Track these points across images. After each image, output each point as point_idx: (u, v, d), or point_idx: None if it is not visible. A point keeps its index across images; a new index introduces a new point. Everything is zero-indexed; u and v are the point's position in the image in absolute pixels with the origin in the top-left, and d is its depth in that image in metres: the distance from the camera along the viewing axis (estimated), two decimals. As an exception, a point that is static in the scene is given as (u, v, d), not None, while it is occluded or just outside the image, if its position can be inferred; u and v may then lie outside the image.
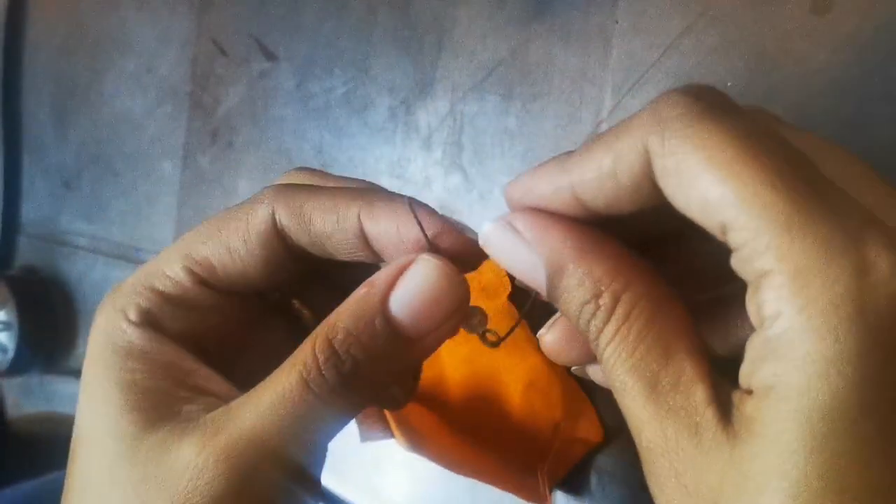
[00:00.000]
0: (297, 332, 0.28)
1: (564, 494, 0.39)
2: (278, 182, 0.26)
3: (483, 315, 0.24)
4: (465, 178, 0.42)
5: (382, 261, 0.25)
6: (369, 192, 0.24)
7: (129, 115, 0.58)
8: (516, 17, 0.40)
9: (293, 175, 0.27)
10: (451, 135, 0.43)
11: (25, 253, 0.64)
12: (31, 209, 0.64)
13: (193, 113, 0.55)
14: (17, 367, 0.60)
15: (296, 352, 0.23)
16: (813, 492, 0.16)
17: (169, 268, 0.25)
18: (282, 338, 0.28)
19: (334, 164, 0.48)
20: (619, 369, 0.19)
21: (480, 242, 0.23)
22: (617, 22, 0.37)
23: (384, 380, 0.24)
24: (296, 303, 0.29)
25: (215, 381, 0.25)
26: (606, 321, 0.20)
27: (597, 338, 0.20)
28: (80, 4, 0.61)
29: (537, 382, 0.38)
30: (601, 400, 0.38)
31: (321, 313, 0.26)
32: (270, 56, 0.51)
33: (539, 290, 0.22)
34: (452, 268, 0.23)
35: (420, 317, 0.22)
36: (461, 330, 0.24)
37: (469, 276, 0.24)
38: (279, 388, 0.22)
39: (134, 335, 0.24)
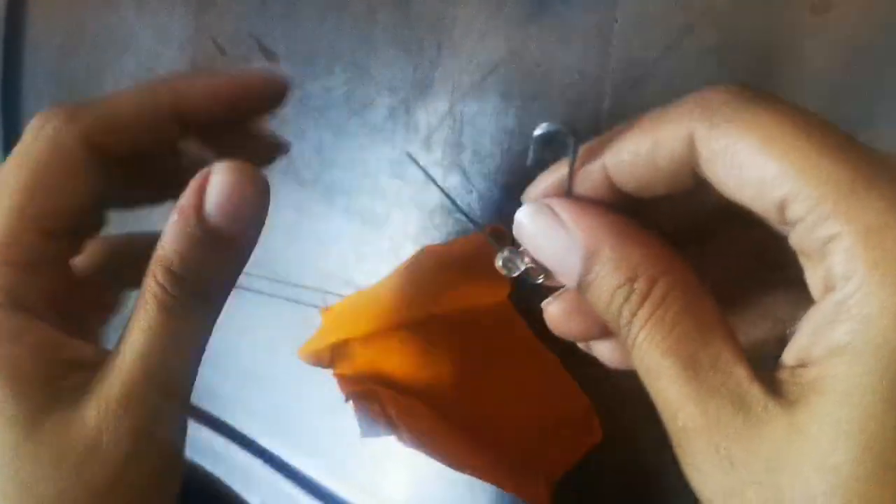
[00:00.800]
0: None
1: (563, 494, 0.39)
2: (56, 108, 0.26)
3: (519, 255, 0.24)
4: (465, 177, 0.42)
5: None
6: (167, 77, 0.26)
7: (129, 115, 0.58)
8: (516, 16, 0.40)
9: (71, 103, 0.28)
10: (450, 134, 0.43)
11: (25, 252, 0.64)
12: None
13: (193, 112, 0.55)
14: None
15: (141, 290, 0.24)
16: (888, 444, 0.16)
17: (10, 234, 0.25)
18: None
19: (334, 163, 0.48)
20: (654, 351, 0.19)
21: (515, 225, 0.23)
22: (616, 21, 0.37)
23: (221, 286, 0.25)
24: None
25: (85, 348, 0.25)
26: (640, 304, 0.20)
27: (630, 321, 0.20)
28: (80, 3, 0.61)
29: (537, 383, 0.38)
30: (599, 400, 0.38)
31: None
32: (270, 55, 0.51)
33: (566, 277, 0.22)
34: (248, 165, 0.24)
35: (233, 215, 0.24)
36: (468, 331, 0.25)
37: (442, 248, 0.25)
38: (143, 325, 0.23)
39: (2, 319, 0.24)
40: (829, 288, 0.17)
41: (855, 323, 0.17)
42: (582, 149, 0.22)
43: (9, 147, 0.64)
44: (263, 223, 0.25)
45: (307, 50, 0.49)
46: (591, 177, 0.22)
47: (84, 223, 0.27)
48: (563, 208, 0.22)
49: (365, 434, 0.40)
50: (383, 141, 0.45)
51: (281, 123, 0.50)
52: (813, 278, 0.18)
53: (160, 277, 0.23)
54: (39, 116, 0.26)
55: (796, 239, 0.18)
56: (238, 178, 0.24)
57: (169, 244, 0.24)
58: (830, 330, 0.17)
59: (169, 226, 0.24)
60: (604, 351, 0.25)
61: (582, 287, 0.21)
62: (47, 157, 0.25)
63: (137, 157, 0.27)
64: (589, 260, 0.21)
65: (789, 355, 0.19)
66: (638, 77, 0.36)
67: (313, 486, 0.49)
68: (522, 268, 0.24)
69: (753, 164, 0.18)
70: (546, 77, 0.39)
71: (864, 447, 0.16)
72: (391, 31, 0.45)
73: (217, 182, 0.24)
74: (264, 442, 0.51)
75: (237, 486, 0.51)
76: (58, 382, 0.24)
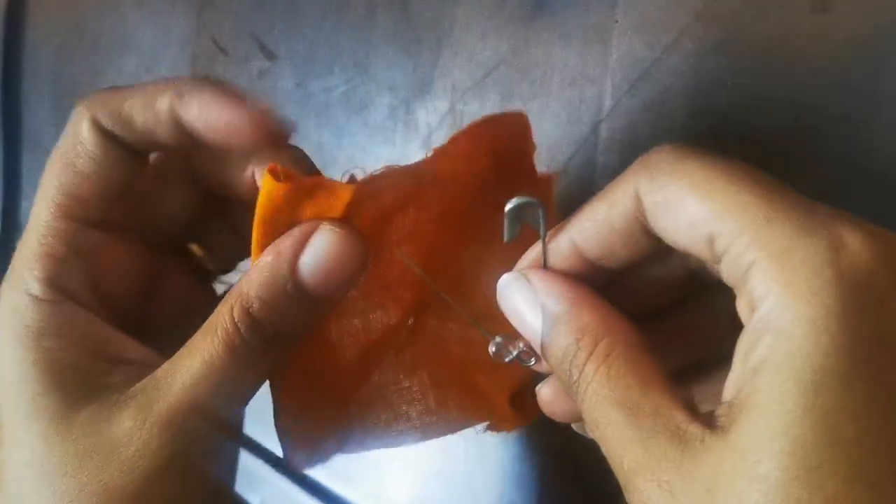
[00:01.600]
0: (199, 276, 0.30)
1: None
2: (84, 97, 0.28)
3: (511, 341, 0.26)
4: (465, 177, 0.42)
5: (202, 145, 0.26)
6: (179, 80, 0.26)
7: (129, 115, 0.58)
8: (516, 16, 0.40)
9: (96, 92, 0.28)
10: (450, 134, 0.43)
11: (25, 252, 0.64)
12: (31, 209, 0.64)
13: (193, 112, 0.55)
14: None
15: (212, 318, 0.24)
16: (808, 447, 0.17)
17: (46, 225, 0.26)
18: (184, 284, 0.30)
19: (334, 163, 0.48)
20: (600, 403, 0.21)
21: (497, 292, 0.25)
22: (616, 21, 0.37)
23: (296, 340, 0.26)
24: (193, 247, 0.31)
25: (132, 348, 0.25)
26: (586, 360, 0.22)
27: (577, 377, 0.22)
28: (80, 3, 0.61)
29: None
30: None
31: (217, 252, 0.29)
32: (270, 55, 0.51)
33: (535, 341, 0.24)
34: (354, 232, 0.25)
35: (328, 280, 0.24)
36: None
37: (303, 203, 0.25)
38: (206, 356, 0.23)
39: (41, 311, 0.24)
40: (752, 310, 0.19)
41: (772, 337, 0.18)
42: (548, 234, 0.25)
43: (9, 146, 0.64)
44: (354, 287, 0.26)
45: (307, 49, 0.49)
46: (560, 249, 0.24)
47: (114, 211, 0.27)
48: (535, 277, 0.24)
49: (299, 466, 0.31)
50: (383, 140, 0.45)
51: (281, 123, 0.50)
52: (741, 304, 0.20)
53: (237, 316, 0.24)
54: (80, 102, 0.27)
55: (725, 272, 0.20)
56: (341, 244, 0.24)
57: (255, 286, 0.24)
58: (753, 350, 0.18)
59: (260, 264, 0.24)
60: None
61: (543, 350, 0.23)
62: (69, 147, 0.26)
63: (151, 149, 0.27)
64: (551, 321, 0.23)
65: (727, 391, 0.20)
66: (638, 77, 0.36)
67: (313, 485, 0.49)
68: (514, 353, 0.26)
69: (684, 207, 0.20)
70: (546, 77, 0.39)
71: (787, 453, 0.17)
72: (391, 31, 0.45)
73: (320, 242, 0.24)
74: (264, 441, 0.51)
75: (237, 485, 0.51)
76: (99, 378, 0.24)
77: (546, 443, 0.40)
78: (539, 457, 0.41)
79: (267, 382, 0.27)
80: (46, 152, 0.61)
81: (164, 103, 0.25)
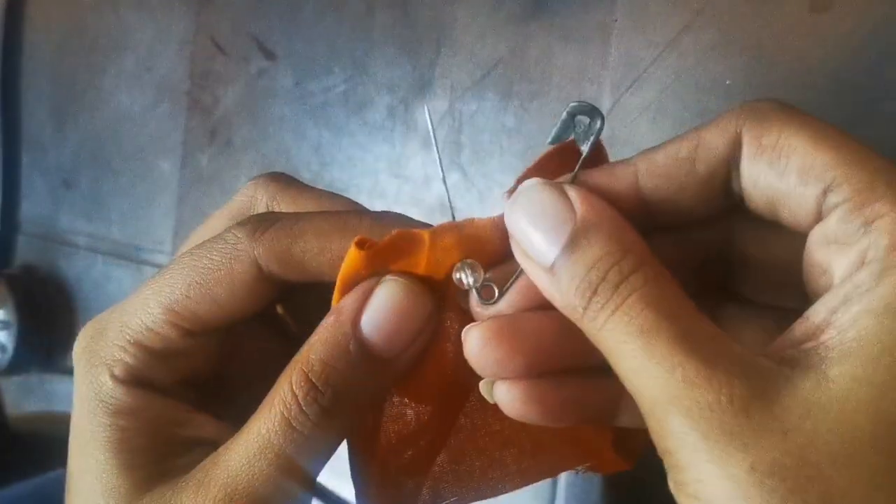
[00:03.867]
0: (284, 340, 0.28)
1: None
2: (245, 193, 0.26)
3: (476, 267, 0.23)
4: (465, 176, 0.42)
5: None
6: (355, 220, 0.24)
7: (128, 114, 0.58)
8: (515, 15, 0.40)
9: (262, 184, 0.27)
10: (450, 133, 0.43)
11: (24, 252, 0.64)
12: (31, 208, 0.64)
13: (192, 112, 0.54)
14: (17, 366, 0.60)
15: (273, 389, 0.23)
16: None
17: (152, 321, 0.24)
18: (270, 348, 0.28)
19: (333, 162, 0.48)
20: (648, 313, 0.19)
21: (515, 194, 0.22)
22: (616, 20, 0.37)
23: (365, 403, 0.24)
24: (279, 311, 0.29)
25: (208, 426, 0.24)
26: (635, 269, 0.19)
27: (617, 286, 0.19)
28: (79, 3, 0.61)
29: None
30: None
31: (301, 315, 0.27)
32: (269, 55, 0.51)
33: (546, 251, 0.21)
34: (418, 284, 0.23)
35: (392, 336, 0.22)
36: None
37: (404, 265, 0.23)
38: (263, 431, 0.22)
39: (121, 393, 0.24)
40: (867, 262, 0.19)
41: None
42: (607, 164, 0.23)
43: (8, 146, 0.64)
44: (422, 349, 0.23)
45: (306, 49, 0.49)
46: (617, 180, 0.22)
47: (231, 328, 0.26)
48: (572, 188, 0.22)
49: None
50: (382, 140, 0.45)
51: (280, 123, 0.50)
52: (840, 262, 0.19)
53: (295, 383, 0.22)
54: (245, 192, 0.25)
55: (828, 226, 0.20)
56: (405, 298, 0.22)
57: (316, 349, 0.22)
58: (869, 294, 0.18)
59: (322, 325, 0.23)
60: (514, 392, 0.23)
61: (559, 260, 0.20)
62: (215, 272, 0.24)
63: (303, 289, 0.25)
64: (583, 229, 0.20)
65: (793, 335, 0.19)
66: (637, 75, 0.36)
67: (313, 484, 0.49)
68: (477, 281, 0.23)
69: (802, 154, 0.20)
70: (545, 76, 0.39)
71: None
72: (390, 31, 0.45)
73: (382, 295, 0.22)
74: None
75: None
76: (169, 461, 0.23)
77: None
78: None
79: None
80: (46, 152, 0.61)
81: (336, 246, 0.23)
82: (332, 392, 0.22)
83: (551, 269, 0.21)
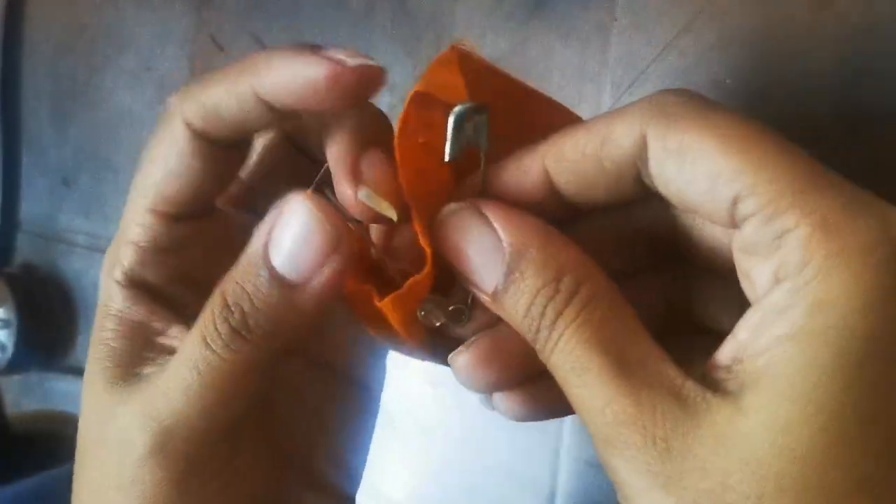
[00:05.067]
0: None
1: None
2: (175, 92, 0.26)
3: (439, 304, 0.23)
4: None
5: (290, 119, 0.24)
6: (252, 58, 0.24)
7: (128, 113, 0.58)
8: (515, 13, 0.40)
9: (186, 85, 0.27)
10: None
11: (24, 250, 0.64)
12: (30, 206, 0.64)
13: (192, 110, 0.54)
14: (16, 364, 0.60)
15: (204, 307, 0.23)
16: (846, 422, 0.16)
17: (137, 216, 0.25)
18: None
19: (333, 161, 0.48)
20: (580, 348, 0.19)
21: (435, 226, 0.22)
22: (616, 19, 0.37)
23: (277, 337, 0.23)
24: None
25: (183, 337, 0.25)
26: (567, 302, 0.19)
27: (554, 321, 0.19)
28: (79, 2, 0.61)
29: None
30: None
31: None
32: (269, 53, 0.51)
33: (484, 282, 0.21)
34: (326, 208, 0.22)
35: (296, 258, 0.22)
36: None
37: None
38: (185, 349, 0.22)
39: (114, 296, 0.25)
40: (780, 279, 0.18)
41: (812, 307, 0.17)
42: (514, 157, 0.22)
43: (7, 144, 0.64)
44: (340, 282, 0.22)
45: (306, 47, 0.49)
46: (528, 175, 0.22)
47: (200, 207, 0.26)
48: (489, 208, 0.21)
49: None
50: (383, 139, 0.45)
51: (280, 121, 0.50)
52: (759, 275, 0.19)
53: (213, 303, 0.22)
54: (172, 98, 0.25)
55: (744, 236, 0.19)
56: (308, 223, 0.21)
57: (234, 270, 0.22)
58: (781, 318, 0.17)
59: (244, 253, 0.22)
60: (512, 402, 0.24)
61: (500, 292, 0.20)
62: (161, 143, 0.25)
63: (242, 144, 0.26)
64: (514, 259, 0.20)
65: (723, 355, 0.19)
66: (637, 74, 0.36)
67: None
68: (445, 315, 0.23)
69: (710, 160, 0.18)
70: (545, 74, 0.39)
71: (821, 427, 0.16)
72: (390, 29, 0.45)
73: (287, 221, 0.22)
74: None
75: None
76: (140, 366, 0.24)
77: (546, 438, 0.40)
78: (541, 452, 0.41)
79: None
80: (46, 151, 0.61)
81: (243, 85, 0.23)
82: (241, 314, 0.22)
83: (495, 298, 0.21)
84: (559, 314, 0.19)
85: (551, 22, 0.39)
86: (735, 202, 0.18)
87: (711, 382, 0.18)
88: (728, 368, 0.18)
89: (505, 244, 0.20)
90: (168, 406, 0.22)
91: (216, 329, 0.22)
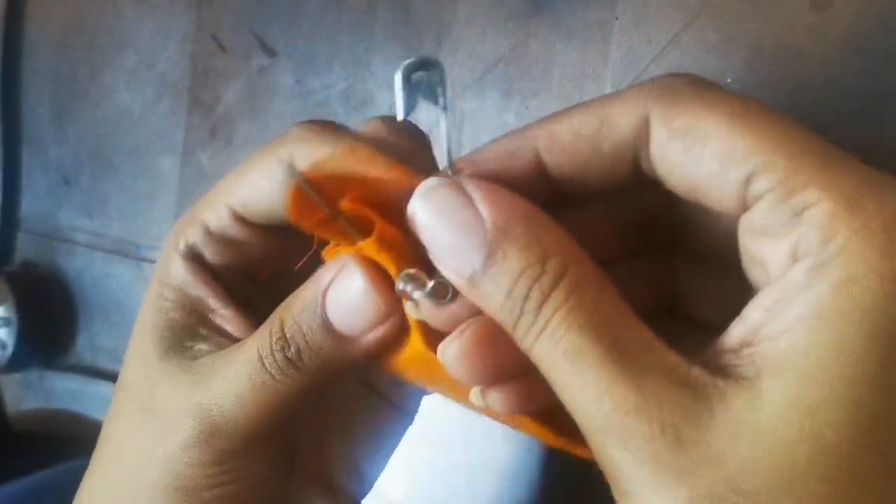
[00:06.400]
0: None
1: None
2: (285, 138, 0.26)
3: (418, 276, 0.21)
4: (465, 174, 0.42)
5: None
6: (279, 146, 0.24)
7: (129, 111, 0.58)
8: (516, 12, 0.40)
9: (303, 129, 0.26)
10: (450, 131, 0.43)
11: (24, 249, 0.64)
12: (31, 205, 0.64)
13: (193, 109, 0.54)
14: (17, 363, 0.60)
15: (264, 324, 0.24)
16: (879, 407, 0.15)
17: (215, 206, 0.26)
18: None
19: (334, 160, 0.48)
20: (572, 334, 0.18)
21: (411, 203, 0.20)
22: (617, 18, 0.37)
23: (328, 372, 0.24)
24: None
25: (235, 322, 0.26)
26: (554, 285, 0.18)
27: (540, 305, 0.18)
28: (79, 1, 0.61)
29: None
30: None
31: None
32: (270, 52, 0.51)
33: (462, 264, 0.19)
34: (377, 278, 0.22)
35: (348, 319, 0.23)
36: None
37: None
38: (244, 358, 0.23)
39: (176, 266, 0.25)
40: (798, 258, 0.17)
41: (838, 285, 0.16)
42: (507, 136, 0.21)
43: (8, 143, 0.64)
44: (390, 339, 0.23)
45: (307, 46, 0.49)
46: (517, 158, 0.21)
47: (275, 223, 0.26)
48: (475, 185, 0.19)
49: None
50: (383, 137, 0.45)
51: (281, 120, 0.50)
52: (772, 255, 0.18)
53: (274, 326, 0.23)
54: (294, 128, 0.25)
55: (755, 217, 0.18)
56: (358, 290, 0.22)
57: (296, 302, 0.23)
58: (802, 297, 0.16)
59: (308, 282, 0.23)
60: (506, 395, 0.22)
61: (478, 275, 0.19)
62: (262, 164, 0.25)
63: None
64: (496, 238, 0.19)
65: (731, 339, 0.18)
66: (638, 73, 0.36)
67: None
68: (427, 288, 0.21)
69: (720, 139, 0.18)
70: (546, 73, 0.39)
71: (852, 410, 0.15)
72: (391, 28, 0.45)
73: (342, 280, 0.22)
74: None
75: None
76: (192, 341, 0.25)
77: (545, 440, 0.40)
78: (540, 451, 0.41)
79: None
80: (46, 149, 0.61)
81: (273, 184, 0.24)
82: (296, 348, 0.23)
83: (472, 282, 0.19)
84: (546, 297, 0.18)
85: (552, 21, 0.39)
86: (748, 181, 0.18)
87: (718, 368, 0.17)
88: (737, 353, 0.17)
89: (487, 223, 0.19)
90: (218, 405, 0.23)
91: (272, 354, 0.23)
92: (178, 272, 0.25)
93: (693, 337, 0.20)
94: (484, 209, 0.19)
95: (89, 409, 0.57)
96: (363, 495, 0.30)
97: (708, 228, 0.22)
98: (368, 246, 0.22)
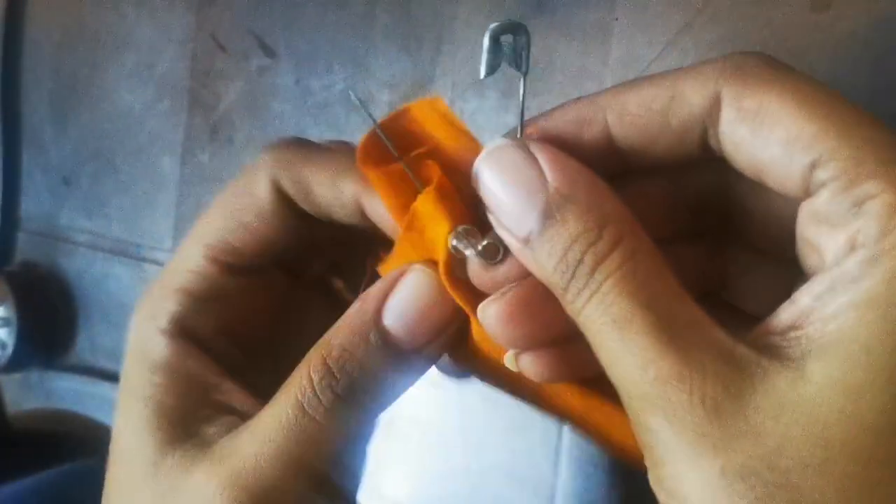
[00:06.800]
0: (339, 310, 0.27)
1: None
2: (267, 152, 0.25)
3: (472, 233, 0.21)
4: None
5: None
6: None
7: (129, 112, 0.58)
8: (516, 13, 0.40)
9: (280, 147, 0.26)
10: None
11: (25, 249, 0.64)
12: (31, 205, 0.64)
13: (193, 109, 0.54)
14: (17, 363, 0.60)
15: (295, 371, 0.22)
16: None
17: (191, 262, 0.24)
18: (324, 318, 0.27)
19: (334, 160, 0.48)
20: (623, 301, 0.18)
21: (479, 160, 0.21)
22: (617, 19, 0.37)
23: (387, 396, 0.23)
24: (339, 286, 0.29)
25: (237, 396, 0.24)
26: (610, 252, 0.18)
27: (593, 269, 0.18)
28: (80, 1, 0.61)
29: None
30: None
31: (358, 285, 0.26)
32: (270, 52, 0.51)
33: (519, 224, 0.19)
34: (437, 281, 0.22)
35: (414, 328, 0.22)
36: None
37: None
38: (277, 414, 0.21)
39: (162, 347, 0.24)
40: (855, 248, 0.17)
41: (889, 277, 0.16)
42: (572, 102, 0.21)
43: (8, 143, 0.64)
44: (448, 346, 0.22)
45: (307, 47, 0.49)
46: (587, 126, 0.21)
47: (267, 263, 0.25)
48: (541, 148, 0.20)
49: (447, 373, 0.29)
50: (383, 138, 0.45)
51: (281, 120, 0.50)
52: (829, 243, 0.18)
53: (313, 366, 0.21)
54: (263, 155, 0.25)
55: (816, 204, 0.18)
56: (430, 291, 0.21)
57: (338, 333, 0.22)
58: (854, 286, 0.17)
59: (348, 311, 0.22)
60: (540, 361, 0.22)
61: (534, 236, 0.19)
62: (240, 196, 0.24)
63: (323, 220, 0.25)
64: (557, 202, 0.19)
65: (779, 321, 0.18)
66: (638, 74, 0.36)
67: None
68: (480, 247, 0.21)
69: (789, 123, 0.18)
70: (546, 74, 0.39)
71: (892, 398, 0.16)
72: (391, 28, 0.45)
73: (407, 286, 0.22)
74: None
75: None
76: (197, 425, 0.23)
77: (547, 438, 0.40)
78: (540, 453, 0.41)
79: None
80: (46, 149, 0.61)
81: (348, 188, 0.23)
82: (348, 380, 0.21)
83: (527, 242, 0.19)
84: (599, 262, 0.18)
85: (552, 21, 0.39)
86: (812, 167, 0.18)
87: (763, 348, 0.17)
88: (784, 335, 0.17)
89: (550, 185, 0.19)
90: (257, 475, 0.21)
91: (317, 396, 0.21)
92: (162, 351, 0.23)
93: (731, 325, 0.20)
94: (548, 172, 0.19)
95: (89, 409, 0.57)
96: (356, 491, 0.29)
97: (763, 216, 0.22)
98: (428, 195, 0.21)
